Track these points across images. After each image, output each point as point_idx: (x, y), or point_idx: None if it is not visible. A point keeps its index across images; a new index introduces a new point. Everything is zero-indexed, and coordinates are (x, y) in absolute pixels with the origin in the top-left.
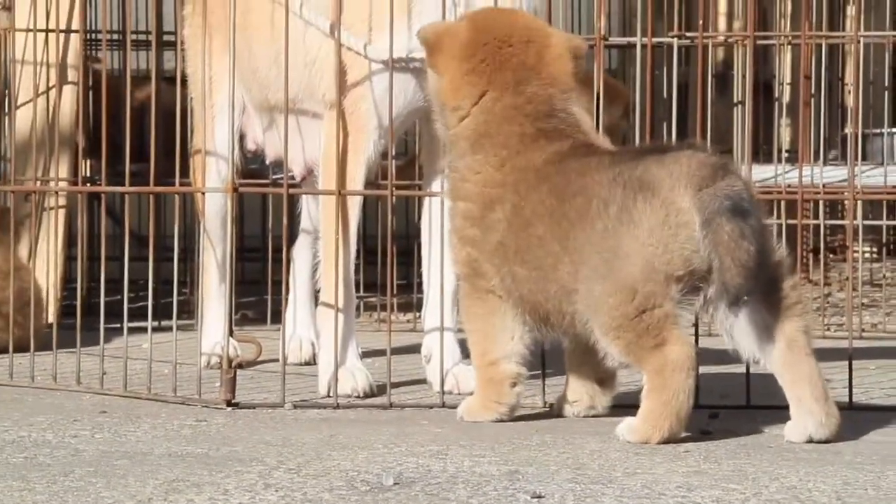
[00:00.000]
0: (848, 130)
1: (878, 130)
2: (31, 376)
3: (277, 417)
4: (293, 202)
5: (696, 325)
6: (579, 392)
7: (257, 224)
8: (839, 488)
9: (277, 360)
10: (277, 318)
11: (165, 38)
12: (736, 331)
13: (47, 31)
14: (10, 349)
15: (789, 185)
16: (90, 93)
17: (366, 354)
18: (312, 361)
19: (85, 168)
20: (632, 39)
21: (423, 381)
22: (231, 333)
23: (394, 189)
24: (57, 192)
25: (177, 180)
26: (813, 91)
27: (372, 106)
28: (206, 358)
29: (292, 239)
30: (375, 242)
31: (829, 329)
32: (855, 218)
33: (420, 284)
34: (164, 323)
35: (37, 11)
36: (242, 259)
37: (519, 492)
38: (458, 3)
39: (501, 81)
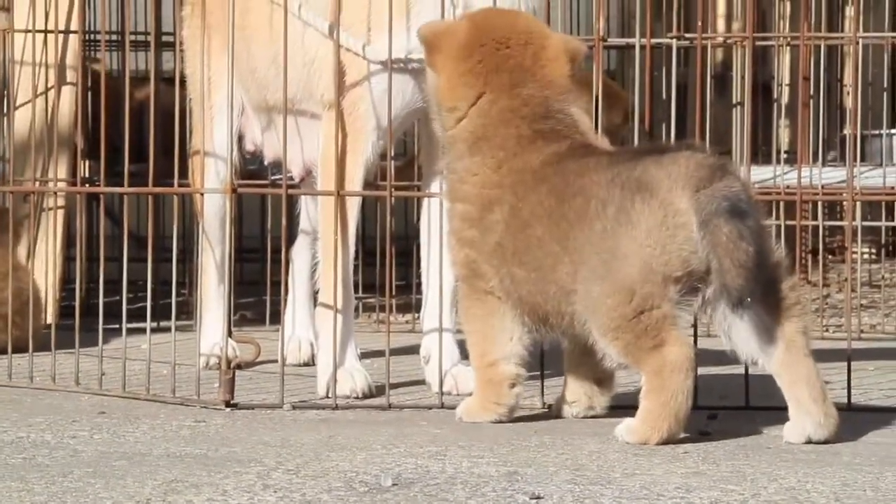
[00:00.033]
0: (847, 131)
1: (876, 131)
2: (30, 377)
3: (276, 418)
4: (292, 203)
5: (694, 326)
6: (578, 393)
7: (256, 225)
8: (838, 489)
9: (276, 361)
10: (276, 318)
11: (164, 38)
12: (734, 332)
13: (46, 31)
14: (9, 350)
15: (788, 186)
16: (89, 93)
17: (365, 355)
18: (311, 362)
19: (84, 169)
20: (630, 40)
21: (421, 382)
22: (230, 334)
23: (393, 190)
24: (56, 193)
25: (175, 181)
26: (812, 92)
27: (370, 107)
28: (205, 359)
29: (291, 240)
30: (374, 243)
31: (827, 330)
32: (854, 219)
33: (419, 285)
34: (162, 324)
35: (36, 12)
36: (241, 260)
37: (518, 493)
38: (457, 3)
39: (498, 83)
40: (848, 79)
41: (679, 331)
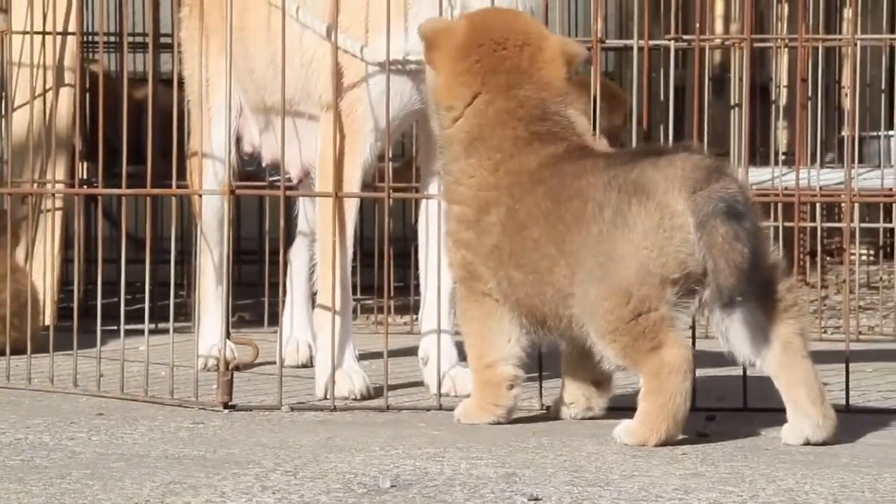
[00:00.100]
0: (845, 133)
1: (874, 133)
2: (28, 378)
3: (274, 420)
4: (290, 204)
5: (692, 328)
6: (576, 394)
7: (254, 226)
8: (836, 491)
9: (274, 363)
10: (274, 320)
11: (162, 40)
12: (732, 333)
13: (44, 33)
14: (7, 351)
15: (786, 188)
16: (87, 95)
17: (363, 357)
18: (309, 364)
19: (82, 170)
20: (628, 42)
21: (420, 384)
22: (228, 336)
23: (391, 191)
24: (54, 195)
25: (174, 182)
26: (810, 94)
27: (368, 108)
28: (203, 360)
29: (289, 241)
30: (372, 245)
31: (825, 332)
32: (852, 220)
33: (417, 287)
34: (160, 325)
35: (33, 14)
36: (239, 261)
37: (516, 494)
38: (455, 4)
39: (494, 84)
40: (846, 80)
41: (677, 333)
